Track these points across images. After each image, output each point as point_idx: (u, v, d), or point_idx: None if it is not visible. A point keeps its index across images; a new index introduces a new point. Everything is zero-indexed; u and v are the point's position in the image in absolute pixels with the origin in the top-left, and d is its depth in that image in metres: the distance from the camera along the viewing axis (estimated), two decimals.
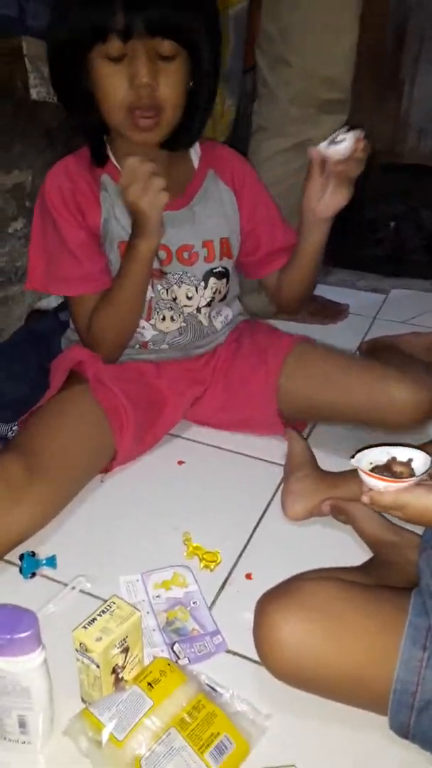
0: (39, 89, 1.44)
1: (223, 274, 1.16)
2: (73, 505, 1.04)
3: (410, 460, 0.68)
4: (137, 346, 1.18)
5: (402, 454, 0.69)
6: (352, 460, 0.69)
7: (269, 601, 0.75)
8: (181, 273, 1.12)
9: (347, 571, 0.90)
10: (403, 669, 0.68)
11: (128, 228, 1.04)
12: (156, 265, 1.10)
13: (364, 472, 0.66)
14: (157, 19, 0.88)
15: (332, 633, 0.71)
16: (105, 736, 0.67)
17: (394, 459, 0.69)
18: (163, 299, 1.13)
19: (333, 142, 0.95)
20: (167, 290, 1.13)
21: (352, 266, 2.19)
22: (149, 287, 1.11)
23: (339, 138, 0.95)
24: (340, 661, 0.70)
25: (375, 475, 0.65)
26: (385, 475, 0.66)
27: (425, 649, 0.68)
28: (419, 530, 0.90)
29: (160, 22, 0.89)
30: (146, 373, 1.19)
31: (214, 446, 1.22)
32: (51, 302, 1.63)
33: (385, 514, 0.96)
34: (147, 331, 1.15)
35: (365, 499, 0.67)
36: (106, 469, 1.12)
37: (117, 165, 1.06)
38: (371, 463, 0.68)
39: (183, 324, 1.16)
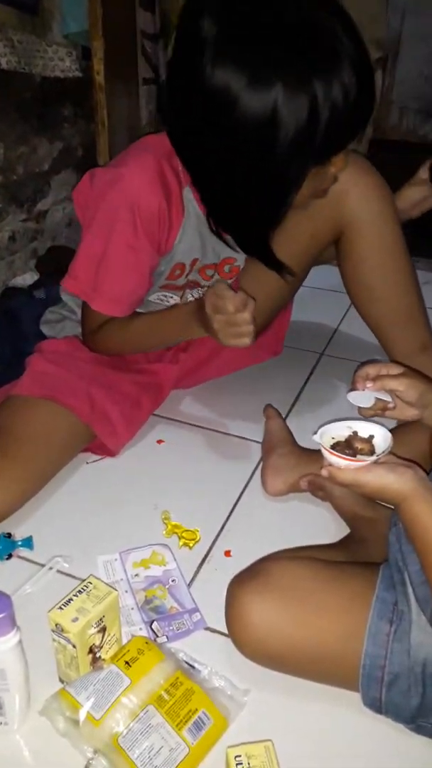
0: (9, 58, 1.40)
1: None
2: (51, 485, 1.03)
3: (371, 437, 0.68)
4: None
5: (364, 429, 0.69)
6: (314, 436, 0.68)
7: (238, 584, 0.75)
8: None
9: (323, 548, 0.90)
10: (371, 643, 0.68)
11: (192, 255, 1.03)
12: (196, 277, 1.09)
13: (325, 449, 0.66)
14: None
15: (300, 613, 0.71)
16: (82, 715, 0.67)
17: (355, 434, 0.68)
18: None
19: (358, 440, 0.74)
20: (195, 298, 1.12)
21: None
22: (178, 298, 1.10)
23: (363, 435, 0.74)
24: (309, 640, 0.71)
25: (335, 453, 0.65)
26: (347, 453, 0.65)
27: (392, 622, 0.69)
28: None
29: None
30: (137, 360, 1.17)
31: (193, 425, 1.22)
32: (26, 280, 1.60)
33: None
34: None
35: (324, 473, 0.66)
36: (94, 450, 1.10)
37: None
38: (333, 438, 0.68)
39: None
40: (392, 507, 0.89)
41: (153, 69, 1.67)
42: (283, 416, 1.23)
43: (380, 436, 0.68)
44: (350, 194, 1.03)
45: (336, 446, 0.67)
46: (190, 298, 1.13)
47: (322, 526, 0.99)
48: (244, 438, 1.17)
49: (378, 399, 0.72)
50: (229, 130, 0.79)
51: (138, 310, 1.08)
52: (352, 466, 0.64)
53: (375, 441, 0.68)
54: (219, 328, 0.93)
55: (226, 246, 1.04)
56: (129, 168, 0.93)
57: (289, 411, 1.26)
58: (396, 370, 0.74)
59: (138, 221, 0.93)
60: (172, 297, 1.11)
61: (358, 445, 0.66)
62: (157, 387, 1.18)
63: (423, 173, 1.18)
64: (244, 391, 1.29)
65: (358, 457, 0.65)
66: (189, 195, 0.97)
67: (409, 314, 1.13)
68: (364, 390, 0.72)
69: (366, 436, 0.68)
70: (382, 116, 2.52)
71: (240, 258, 1.10)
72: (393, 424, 0.91)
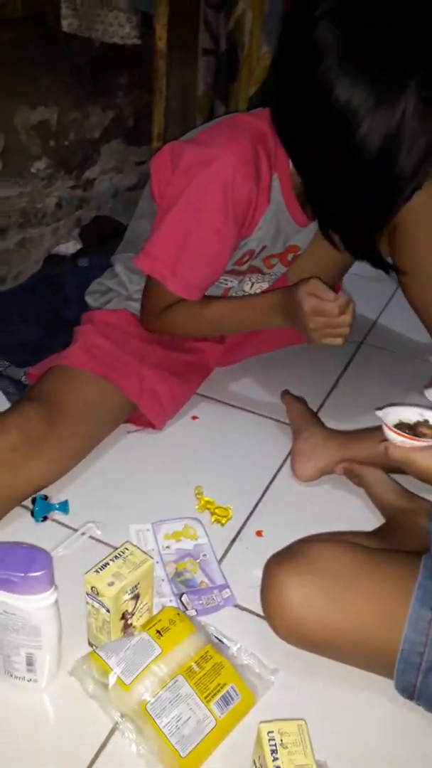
0: (71, 20, 1.38)
1: None
2: (90, 454, 1.03)
3: None
4: None
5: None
6: (378, 411, 0.71)
7: (277, 564, 0.75)
8: (279, 274, 1.11)
9: (358, 535, 0.89)
10: (411, 629, 0.68)
11: (264, 242, 1.01)
12: (259, 264, 1.08)
13: (385, 425, 0.70)
14: None
15: (338, 596, 0.71)
16: (112, 679, 0.67)
17: (424, 421, 0.70)
18: (243, 290, 1.12)
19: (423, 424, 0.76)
20: (253, 284, 1.12)
21: None
22: (235, 281, 1.09)
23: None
24: (346, 623, 0.70)
25: (393, 429, 0.69)
26: (408, 433, 0.69)
27: None
28: (431, 497, 0.89)
29: None
30: (186, 338, 1.16)
31: (228, 404, 1.21)
32: (69, 248, 1.60)
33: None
34: None
35: (381, 447, 0.70)
36: (136, 421, 1.10)
37: (291, 171, 0.95)
38: (400, 420, 0.71)
39: None
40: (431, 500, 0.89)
41: (214, 40, 1.64)
42: (321, 402, 1.22)
43: None
44: None
45: (400, 426, 0.69)
46: (248, 283, 1.11)
47: (356, 512, 0.98)
48: (279, 420, 1.16)
49: None
50: (350, 143, 0.78)
51: None
52: (407, 444, 0.67)
53: None
54: (316, 328, 0.92)
55: (299, 234, 1.03)
56: (224, 149, 0.89)
57: (326, 397, 1.24)
58: None
59: (230, 206, 0.90)
60: (231, 281, 1.09)
61: (422, 430, 0.68)
62: (202, 365, 1.18)
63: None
64: (281, 374, 1.28)
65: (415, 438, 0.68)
66: (276, 182, 0.96)
67: None
68: None
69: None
70: None
71: (302, 246, 1.09)
72: None
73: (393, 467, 0.99)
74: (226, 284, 1.10)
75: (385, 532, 0.91)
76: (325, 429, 1.06)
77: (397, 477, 0.98)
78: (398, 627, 0.68)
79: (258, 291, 1.13)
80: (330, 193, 0.88)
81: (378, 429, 1.01)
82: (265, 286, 1.13)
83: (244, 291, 1.13)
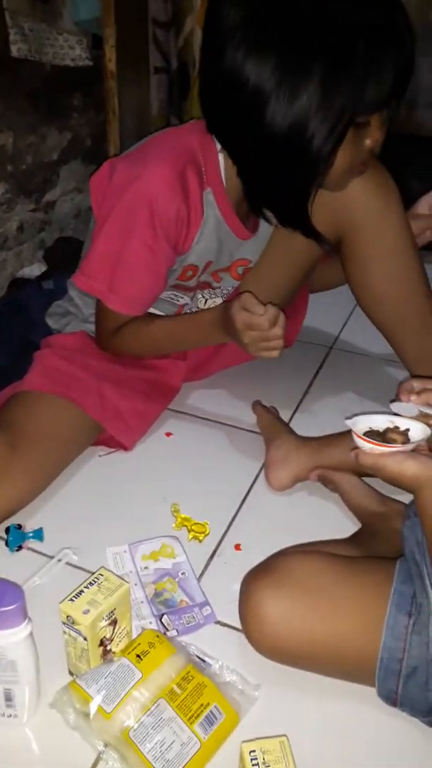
0: (20, 46, 1.38)
1: None
2: (61, 477, 1.02)
3: (407, 430, 0.68)
4: None
5: (403, 423, 0.69)
6: (347, 420, 0.70)
7: (253, 579, 0.74)
8: (230, 288, 1.11)
9: (335, 543, 0.90)
10: (389, 636, 0.68)
11: (207, 257, 1.02)
12: (207, 278, 1.08)
13: (354, 433, 0.69)
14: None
15: (315, 608, 0.71)
16: (93, 708, 0.66)
17: (394, 428, 0.69)
18: (197, 307, 1.12)
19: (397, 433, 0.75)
20: (206, 300, 1.12)
21: None
22: (188, 298, 1.09)
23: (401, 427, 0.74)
24: (326, 635, 0.70)
25: (361, 436, 0.68)
26: (377, 440, 0.68)
27: (410, 615, 0.68)
28: (405, 499, 0.89)
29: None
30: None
31: (202, 418, 1.21)
32: (34, 271, 1.59)
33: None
34: None
35: (351, 455, 0.69)
36: (106, 443, 1.09)
37: (224, 183, 0.96)
38: (370, 428, 0.70)
39: None
40: (404, 503, 0.90)
41: (164, 58, 1.65)
42: (294, 409, 1.23)
43: (418, 430, 0.68)
44: (349, 190, 0.96)
45: (369, 434, 0.68)
46: (201, 299, 1.12)
47: (333, 519, 0.98)
48: (252, 431, 1.16)
49: (421, 411, 0.72)
50: (260, 123, 0.80)
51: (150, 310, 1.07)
52: (375, 451, 0.66)
53: (410, 434, 0.68)
54: (250, 342, 0.92)
55: (243, 246, 1.03)
56: (148, 169, 0.90)
57: (299, 404, 1.25)
58: None
59: (157, 223, 0.91)
60: (182, 297, 1.10)
61: (392, 436, 0.67)
62: (166, 383, 1.17)
63: (422, 208, 1.11)
64: (252, 384, 1.28)
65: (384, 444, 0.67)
66: (209, 197, 0.96)
67: (421, 318, 1.09)
68: (408, 402, 0.72)
69: (402, 429, 0.69)
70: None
71: (253, 259, 1.09)
72: None
73: (366, 471, 1.00)
74: (179, 301, 1.10)
75: (362, 538, 0.92)
76: (297, 437, 1.06)
77: (370, 481, 0.99)
78: (376, 635, 0.68)
79: (215, 302, 1.13)
80: (255, 171, 0.89)
81: (349, 433, 1.02)
82: (219, 301, 1.14)
83: (198, 307, 1.14)
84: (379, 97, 0.80)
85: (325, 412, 1.21)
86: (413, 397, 0.70)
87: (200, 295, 1.12)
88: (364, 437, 0.67)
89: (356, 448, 0.69)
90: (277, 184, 0.88)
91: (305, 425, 1.14)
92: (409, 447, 0.66)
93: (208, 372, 1.27)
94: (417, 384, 0.72)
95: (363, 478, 0.99)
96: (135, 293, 0.99)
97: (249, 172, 0.91)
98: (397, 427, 0.70)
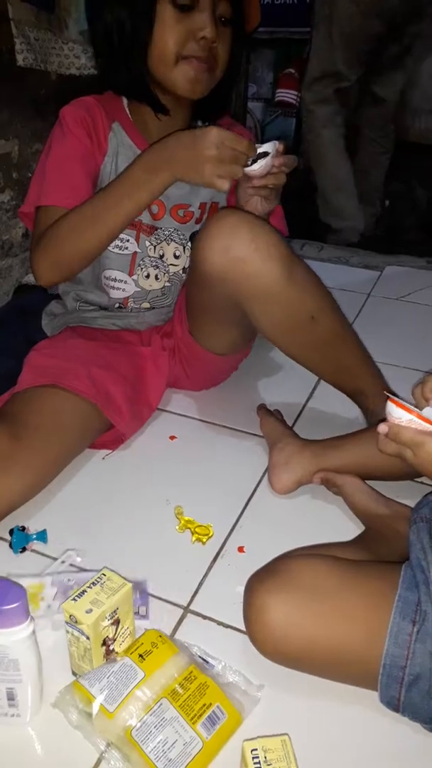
0: (25, 55, 1.40)
1: None
2: (65, 479, 1.03)
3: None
4: (117, 305, 1.16)
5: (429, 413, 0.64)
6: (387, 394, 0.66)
7: (257, 582, 0.74)
8: (172, 230, 1.11)
9: (338, 546, 0.89)
10: (392, 643, 0.67)
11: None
12: (147, 219, 1.09)
13: (394, 402, 0.63)
14: None
15: (320, 612, 0.70)
16: (95, 707, 0.66)
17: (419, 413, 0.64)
18: (149, 256, 1.12)
19: (252, 159, 0.91)
20: (155, 247, 1.11)
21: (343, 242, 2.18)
22: (135, 242, 1.09)
23: (260, 150, 0.91)
24: (330, 639, 0.70)
25: (404, 405, 0.62)
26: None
27: (415, 622, 0.67)
28: (410, 502, 0.89)
29: None
30: (131, 341, 1.17)
31: (206, 421, 1.21)
32: None
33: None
34: (129, 286, 1.13)
35: (383, 428, 0.64)
36: (106, 445, 1.09)
37: (130, 117, 1.08)
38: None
39: (167, 284, 1.15)
40: (410, 506, 0.89)
41: None
42: (298, 413, 1.23)
43: None
44: (238, 269, 0.93)
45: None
46: (148, 246, 1.11)
47: (337, 522, 0.98)
48: (256, 435, 1.16)
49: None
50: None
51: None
52: (416, 423, 0.61)
53: None
54: (213, 157, 0.88)
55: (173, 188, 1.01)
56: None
57: (303, 407, 1.25)
58: None
59: (66, 122, 1.04)
60: (128, 240, 1.10)
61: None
62: (152, 371, 1.16)
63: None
64: (256, 388, 1.29)
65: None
66: (117, 126, 1.07)
67: (339, 368, 1.08)
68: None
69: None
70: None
71: (194, 204, 1.11)
72: None
73: (370, 474, 0.99)
74: (126, 246, 1.10)
75: (366, 541, 0.91)
76: (300, 440, 1.06)
77: (374, 483, 0.99)
78: (380, 641, 0.67)
79: (175, 253, 1.13)
80: (108, 57, 1.02)
81: (350, 436, 1.02)
82: (167, 247, 1.12)
83: (149, 257, 1.12)
84: None
85: (329, 416, 1.21)
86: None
87: (147, 242, 1.11)
88: (406, 406, 0.61)
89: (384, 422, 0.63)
90: (121, 63, 1.00)
91: (309, 429, 1.14)
92: None
93: (194, 383, 1.26)
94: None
95: (366, 481, 0.99)
96: (59, 182, 1.03)
97: (107, 65, 1.03)
98: (419, 412, 0.65)
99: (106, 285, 1.13)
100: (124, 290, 1.13)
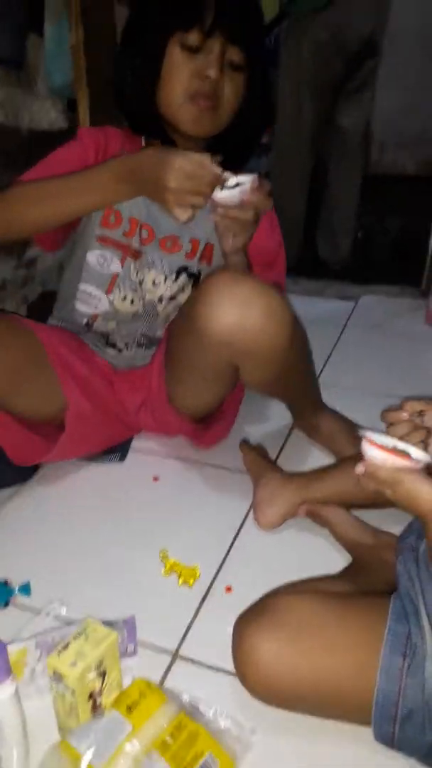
0: None
1: (195, 277, 1.14)
2: (46, 526, 1.01)
3: (408, 453, 0.64)
4: (85, 321, 1.16)
5: (407, 448, 0.64)
6: (360, 431, 0.65)
7: (245, 623, 0.73)
8: (157, 259, 1.12)
9: (327, 580, 0.89)
10: (383, 679, 0.66)
11: (131, 211, 1.09)
12: (136, 244, 1.10)
13: (369, 442, 0.63)
14: (239, 27, 0.97)
15: (310, 650, 0.69)
16: (83, 766, 0.64)
17: (395, 448, 0.64)
18: (130, 279, 1.12)
19: (226, 186, 0.89)
20: (137, 272, 1.12)
21: (318, 275, 2.21)
22: (119, 264, 1.10)
23: (231, 183, 0.89)
24: (321, 678, 0.68)
25: (379, 445, 0.62)
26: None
27: (405, 656, 0.67)
28: (395, 531, 0.89)
29: (241, 31, 0.97)
30: (106, 373, 1.18)
31: (189, 460, 1.21)
32: None
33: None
34: (102, 303, 1.13)
35: (359, 469, 0.64)
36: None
37: None
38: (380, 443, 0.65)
39: (140, 310, 1.15)
40: (396, 534, 0.89)
41: None
42: (280, 446, 1.23)
43: (419, 453, 0.64)
44: (249, 337, 0.93)
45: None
46: (133, 270, 1.12)
47: (323, 555, 0.97)
48: (239, 471, 1.16)
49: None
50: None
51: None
52: (390, 461, 0.61)
53: (415, 455, 0.64)
54: (176, 187, 0.87)
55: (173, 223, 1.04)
56: None
57: (285, 442, 1.25)
58: None
59: (80, 134, 1.10)
60: (113, 260, 1.10)
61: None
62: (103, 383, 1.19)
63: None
64: (238, 423, 1.29)
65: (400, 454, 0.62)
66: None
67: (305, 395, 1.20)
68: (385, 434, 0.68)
69: (404, 450, 0.64)
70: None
71: (183, 238, 1.11)
72: None
73: (354, 503, 0.99)
74: (109, 265, 1.11)
75: (354, 572, 0.91)
76: (282, 474, 1.06)
77: (359, 513, 0.99)
78: (371, 676, 0.66)
79: (154, 280, 1.13)
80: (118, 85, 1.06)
81: (333, 467, 1.02)
82: (149, 274, 1.12)
83: (130, 279, 1.12)
84: (191, 13, 0.94)
85: (312, 449, 1.22)
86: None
87: (131, 266, 1.11)
88: (381, 446, 0.62)
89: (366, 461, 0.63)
90: (133, 102, 1.04)
91: (293, 462, 1.14)
92: (422, 463, 0.62)
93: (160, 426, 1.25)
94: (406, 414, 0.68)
95: (352, 510, 0.99)
96: (46, 172, 1.04)
97: (124, 105, 1.07)
98: (395, 447, 0.65)
99: (79, 298, 1.14)
100: (96, 306, 1.14)
